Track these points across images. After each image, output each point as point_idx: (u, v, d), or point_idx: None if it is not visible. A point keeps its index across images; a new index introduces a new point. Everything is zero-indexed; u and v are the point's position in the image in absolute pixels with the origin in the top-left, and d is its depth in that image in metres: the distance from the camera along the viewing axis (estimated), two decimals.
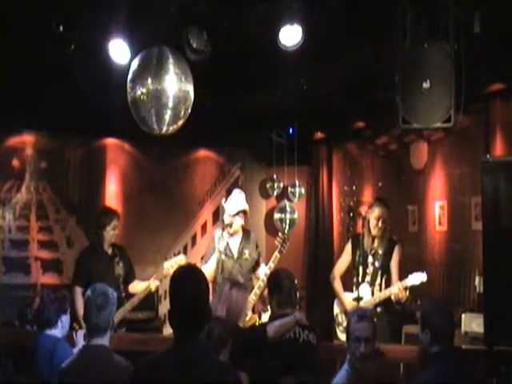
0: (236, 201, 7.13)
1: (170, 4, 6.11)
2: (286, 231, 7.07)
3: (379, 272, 7.03)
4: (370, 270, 7.05)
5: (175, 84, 6.13)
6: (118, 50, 6.46)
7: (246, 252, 7.14)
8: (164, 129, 6.26)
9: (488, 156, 6.34)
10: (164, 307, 9.38)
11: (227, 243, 7.12)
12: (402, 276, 6.95)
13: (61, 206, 9.77)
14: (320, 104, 9.16)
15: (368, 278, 7.03)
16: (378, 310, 6.90)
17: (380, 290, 6.98)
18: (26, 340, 5.63)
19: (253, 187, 11.16)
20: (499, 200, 5.52)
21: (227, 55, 6.73)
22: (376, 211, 7.03)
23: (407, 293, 6.86)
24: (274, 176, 11.12)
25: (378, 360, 4.67)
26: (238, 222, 7.13)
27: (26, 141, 9.51)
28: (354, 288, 7.03)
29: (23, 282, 9.35)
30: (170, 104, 6.15)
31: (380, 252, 7.06)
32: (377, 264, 7.04)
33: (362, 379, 4.43)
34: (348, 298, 7.06)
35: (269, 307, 7.55)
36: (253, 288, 6.82)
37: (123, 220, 9.76)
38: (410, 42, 5.78)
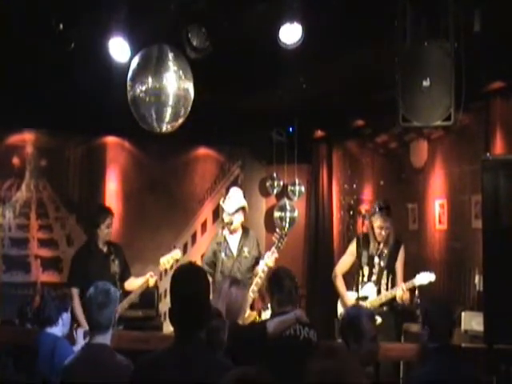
0: (234, 199, 7.14)
1: (170, 2, 6.11)
2: (285, 229, 7.04)
3: (385, 272, 7.03)
4: (376, 269, 7.06)
5: (175, 82, 6.14)
6: (118, 49, 6.46)
7: (245, 250, 7.15)
8: (164, 127, 6.27)
9: (488, 154, 6.34)
10: (164, 305, 9.39)
11: (227, 242, 7.14)
12: (407, 275, 6.96)
13: (61, 204, 9.77)
14: (320, 102, 9.16)
15: (374, 278, 7.04)
16: (385, 309, 6.90)
17: (387, 289, 6.98)
18: (26, 338, 5.63)
19: (253, 185, 11.17)
20: (499, 198, 5.52)
21: (227, 54, 6.74)
22: (378, 221, 7.03)
23: (416, 292, 6.87)
24: (274, 174, 11.12)
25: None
26: (238, 219, 7.15)
27: (26, 139, 9.53)
28: (360, 287, 7.03)
29: (23, 280, 9.37)
30: (170, 102, 6.16)
31: (386, 252, 7.07)
32: (382, 264, 7.05)
33: None
34: (352, 298, 7.05)
35: (269, 305, 7.58)
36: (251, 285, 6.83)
37: (123, 218, 9.81)
38: (410, 41, 5.77)
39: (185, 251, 10.43)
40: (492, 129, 7.39)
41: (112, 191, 10.11)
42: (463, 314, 6.75)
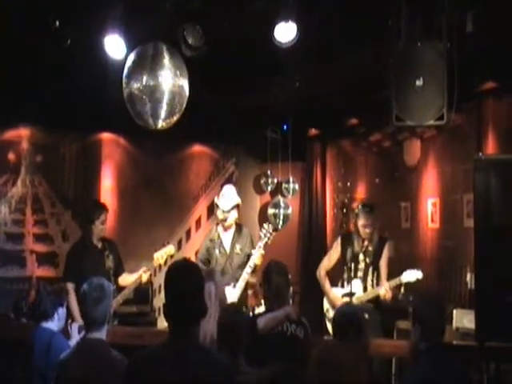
0: (228, 196, 7.15)
1: (165, 1, 6.11)
2: (272, 225, 7.02)
3: (370, 268, 7.06)
4: (361, 266, 7.09)
5: (170, 79, 6.14)
6: (114, 46, 6.46)
7: (237, 247, 7.15)
8: (159, 124, 6.27)
9: (480, 154, 6.36)
10: (158, 301, 9.40)
11: (220, 239, 7.15)
12: (394, 272, 6.98)
13: (56, 199, 9.77)
14: (314, 101, 9.17)
15: (360, 274, 7.07)
16: (371, 305, 6.93)
17: (372, 286, 7.02)
18: (21, 333, 5.63)
19: (247, 183, 11.18)
20: (491, 198, 5.53)
21: (223, 53, 6.75)
22: (362, 220, 7.08)
23: (401, 289, 6.90)
24: (269, 172, 11.14)
25: None
26: (233, 215, 7.15)
27: (22, 135, 9.51)
28: (346, 284, 7.06)
29: (18, 275, 9.35)
30: (165, 99, 6.16)
31: (370, 249, 7.10)
32: (368, 260, 7.08)
33: None
34: (338, 294, 7.08)
35: (262, 301, 7.60)
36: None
37: (118, 214, 9.81)
38: (404, 41, 5.79)
39: (179, 247, 10.44)
40: (484, 129, 7.43)
41: (107, 187, 10.11)
42: (455, 311, 6.77)
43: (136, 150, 10.40)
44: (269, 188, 11.22)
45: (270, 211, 11.02)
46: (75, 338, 5.57)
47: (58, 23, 6.17)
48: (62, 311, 5.13)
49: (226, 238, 7.19)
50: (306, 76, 8.15)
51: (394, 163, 9.38)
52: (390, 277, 6.97)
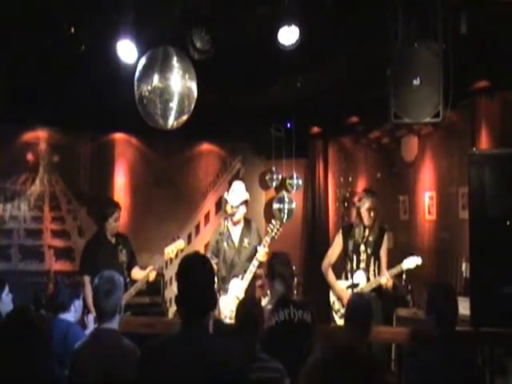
0: (238, 192, 7.13)
1: (174, 7, 6.12)
2: (282, 221, 7.04)
3: (372, 258, 7.04)
4: (363, 257, 7.05)
5: (179, 81, 6.15)
6: (126, 50, 6.47)
7: (246, 241, 7.14)
8: (169, 124, 6.27)
9: (474, 149, 6.37)
10: (169, 292, 9.41)
11: (229, 233, 7.14)
12: (394, 262, 6.97)
13: (72, 197, 9.79)
14: (316, 100, 9.17)
15: (362, 265, 7.03)
16: (373, 294, 6.92)
17: (374, 275, 6.99)
18: (41, 323, 5.64)
19: (253, 179, 11.17)
20: (485, 190, 5.54)
21: (229, 55, 6.74)
22: (367, 203, 7.02)
23: (403, 277, 6.89)
24: (273, 168, 11.13)
25: None
26: (241, 211, 7.14)
27: (40, 136, 9.54)
28: (349, 275, 7.04)
29: (37, 269, 9.40)
30: (175, 100, 6.16)
31: (371, 239, 7.07)
32: (369, 251, 7.05)
33: None
34: (343, 286, 7.05)
35: (268, 292, 7.60)
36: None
37: (131, 210, 9.84)
38: (401, 42, 5.78)
39: (189, 241, 10.45)
40: (478, 125, 7.42)
41: (120, 185, 10.13)
42: None
43: (147, 149, 10.41)
44: (274, 184, 11.21)
45: (275, 206, 11.02)
46: (91, 328, 5.58)
47: (72, 29, 6.17)
48: (78, 303, 5.14)
49: (235, 231, 7.18)
50: (308, 76, 8.14)
51: (393, 159, 9.38)
52: (389, 266, 6.95)
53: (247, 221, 7.26)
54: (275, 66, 7.25)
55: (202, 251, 8.36)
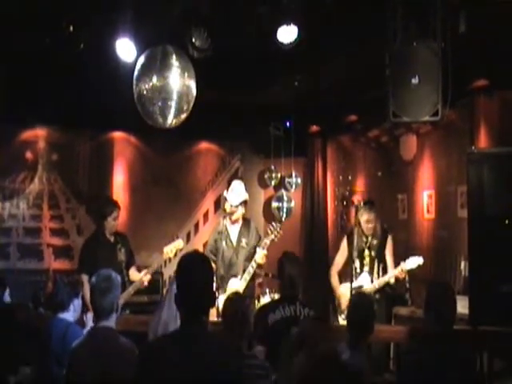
0: (238, 192, 7.14)
1: (174, 5, 6.12)
2: (281, 223, 7.04)
3: (376, 261, 7.05)
4: (366, 260, 7.08)
5: (178, 80, 6.15)
6: (125, 49, 6.47)
7: (244, 240, 7.14)
8: (168, 122, 6.27)
9: (473, 148, 6.38)
10: None
11: (228, 232, 7.15)
12: (397, 262, 6.97)
13: (71, 195, 9.79)
14: (315, 99, 9.17)
15: (366, 268, 7.06)
16: (377, 296, 6.92)
17: (378, 277, 7.00)
18: (39, 322, 5.65)
19: (252, 177, 11.16)
20: (483, 189, 5.55)
21: (229, 53, 6.75)
22: (365, 216, 7.07)
23: (406, 277, 6.90)
24: (272, 167, 11.13)
25: None
26: (240, 210, 7.15)
27: (39, 135, 9.54)
28: (355, 278, 7.05)
29: (36, 268, 9.40)
30: (174, 99, 6.16)
31: (375, 243, 7.09)
32: (373, 254, 7.07)
33: None
34: (344, 290, 7.03)
35: (267, 290, 7.62)
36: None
37: (130, 209, 9.83)
38: (400, 41, 5.79)
39: (188, 240, 10.45)
40: (476, 124, 7.42)
41: (119, 184, 10.13)
42: None
43: (146, 148, 10.40)
44: (272, 182, 11.21)
45: (274, 204, 11.02)
46: (89, 326, 5.58)
47: (71, 28, 6.17)
48: (77, 302, 5.15)
49: (233, 231, 7.18)
50: (306, 75, 8.14)
51: (392, 157, 9.37)
52: (395, 266, 6.95)
53: (246, 220, 7.26)
54: (274, 65, 7.26)
55: (200, 250, 8.35)
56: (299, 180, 11.13)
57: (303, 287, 9.80)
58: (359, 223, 7.09)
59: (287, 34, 6.08)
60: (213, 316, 5.94)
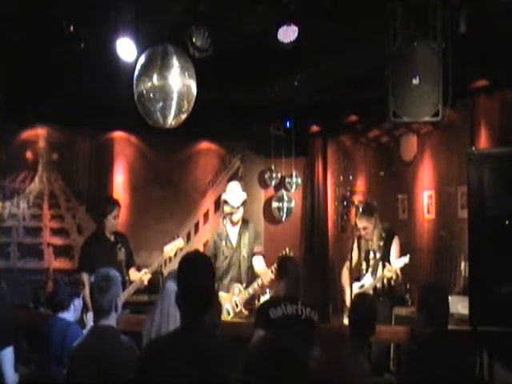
0: (236, 193, 7.15)
1: (174, 5, 6.12)
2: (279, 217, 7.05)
3: (380, 263, 7.05)
4: (371, 263, 7.11)
5: (178, 80, 6.15)
6: (125, 49, 6.47)
7: (243, 242, 7.17)
8: (168, 122, 6.27)
9: (473, 148, 6.38)
10: None
11: (227, 233, 7.16)
12: None
13: (71, 195, 9.78)
14: (316, 99, 9.17)
15: (371, 269, 7.09)
16: (381, 299, 6.91)
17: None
18: (40, 322, 5.65)
19: (252, 177, 11.17)
20: (484, 189, 5.55)
21: (229, 53, 6.75)
22: (360, 223, 7.09)
23: (399, 277, 6.90)
24: (272, 167, 11.13)
25: None
26: (241, 211, 7.17)
27: (39, 134, 9.53)
28: (361, 278, 7.10)
29: (36, 267, 9.39)
30: (174, 99, 6.16)
31: (381, 244, 7.09)
32: (378, 256, 7.08)
33: None
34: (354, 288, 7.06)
35: (267, 290, 7.61)
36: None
37: (130, 209, 9.83)
38: (401, 41, 5.80)
39: (188, 240, 10.44)
40: (477, 124, 7.42)
41: (119, 183, 10.12)
42: (450, 298, 6.75)
43: (146, 148, 10.40)
44: (273, 182, 11.20)
45: (274, 205, 11.02)
46: (90, 325, 5.58)
47: (72, 27, 6.18)
48: (78, 302, 5.15)
49: (233, 232, 7.20)
50: (307, 75, 8.14)
51: (392, 158, 9.37)
52: None
53: (245, 221, 7.29)
54: (274, 65, 7.26)
55: (201, 249, 8.35)
56: (299, 180, 11.12)
57: (303, 287, 9.88)
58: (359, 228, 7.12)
59: (287, 33, 6.08)
60: None
